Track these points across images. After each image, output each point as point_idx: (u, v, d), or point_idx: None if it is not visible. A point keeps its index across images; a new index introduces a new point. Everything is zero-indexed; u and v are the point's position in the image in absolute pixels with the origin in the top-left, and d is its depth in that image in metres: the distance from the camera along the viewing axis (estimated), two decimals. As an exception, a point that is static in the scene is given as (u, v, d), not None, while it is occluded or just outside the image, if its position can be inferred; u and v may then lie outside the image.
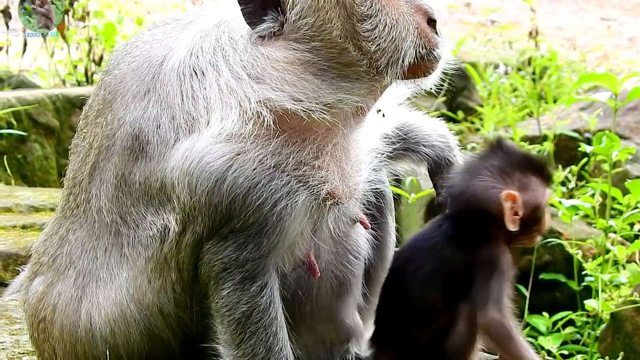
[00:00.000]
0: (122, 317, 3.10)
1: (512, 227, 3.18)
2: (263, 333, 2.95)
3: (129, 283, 3.08)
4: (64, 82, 8.88)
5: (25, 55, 8.51)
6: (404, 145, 3.45)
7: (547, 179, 3.30)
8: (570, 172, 7.43)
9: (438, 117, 3.59)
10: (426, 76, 3.07)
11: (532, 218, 3.23)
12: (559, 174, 7.32)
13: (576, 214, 6.01)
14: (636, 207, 6.11)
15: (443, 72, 3.13)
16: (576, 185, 7.18)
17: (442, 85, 3.20)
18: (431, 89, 3.18)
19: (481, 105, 9.32)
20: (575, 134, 7.78)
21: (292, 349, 3.03)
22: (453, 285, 3.17)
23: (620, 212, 6.01)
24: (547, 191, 3.29)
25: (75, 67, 8.96)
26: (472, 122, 9.32)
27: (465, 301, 3.15)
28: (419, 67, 3.02)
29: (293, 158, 2.92)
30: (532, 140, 8.03)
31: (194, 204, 2.91)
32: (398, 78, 3.00)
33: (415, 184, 6.26)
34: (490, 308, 3.12)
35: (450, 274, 3.20)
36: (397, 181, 6.52)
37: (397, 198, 6.08)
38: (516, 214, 3.19)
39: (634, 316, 5.37)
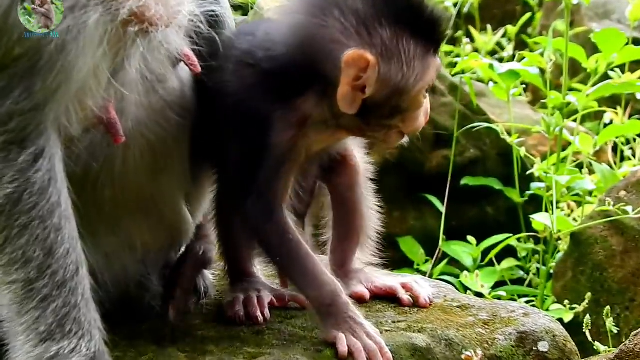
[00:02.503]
0: None
1: (348, 108, 3.25)
2: (40, 227, 2.94)
3: None
4: None
5: None
6: None
7: (433, 44, 3.30)
8: (505, 35, 7.56)
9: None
10: None
11: (388, 104, 3.28)
12: (488, 39, 7.44)
13: (516, 87, 6.01)
14: (607, 77, 6.11)
15: None
16: (514, 56, 7.22)
17: None
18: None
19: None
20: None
21: (85, 254, 3.04)
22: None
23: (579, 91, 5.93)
24: (432, 64, 3.30)
25: None
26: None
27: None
28: None
29: None
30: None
31: None
32: None
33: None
34: (253, 197, 3.38)
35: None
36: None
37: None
38: (362, 90, 3.24)
39: (607, 237, 5.31)
